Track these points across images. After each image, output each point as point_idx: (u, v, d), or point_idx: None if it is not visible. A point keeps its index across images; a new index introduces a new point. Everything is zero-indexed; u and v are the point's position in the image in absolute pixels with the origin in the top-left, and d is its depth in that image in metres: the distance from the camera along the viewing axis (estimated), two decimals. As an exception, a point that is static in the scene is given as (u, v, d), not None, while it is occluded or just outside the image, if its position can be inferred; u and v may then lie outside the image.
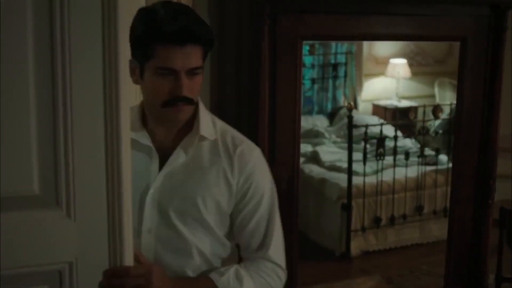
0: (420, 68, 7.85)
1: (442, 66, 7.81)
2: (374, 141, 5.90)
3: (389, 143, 5.98)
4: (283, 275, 2.02)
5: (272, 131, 3.50)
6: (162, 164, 1.94)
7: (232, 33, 3.74)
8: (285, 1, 3.48)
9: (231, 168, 1.93)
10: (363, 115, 7.49)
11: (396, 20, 3.65)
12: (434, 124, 6.73)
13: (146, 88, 1.86)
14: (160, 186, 1.92)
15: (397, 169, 5.82)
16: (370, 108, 7.85)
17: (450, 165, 5.72)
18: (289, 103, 3.52)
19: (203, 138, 1.92)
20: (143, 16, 1.81)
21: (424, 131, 6.17)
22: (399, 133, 6.20)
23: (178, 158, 1.92)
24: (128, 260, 1.54)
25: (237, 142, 1.96)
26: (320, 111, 7.98)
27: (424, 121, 6.16)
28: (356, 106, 7.64)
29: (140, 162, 1.90)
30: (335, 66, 7.88)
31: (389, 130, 6.28)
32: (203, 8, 3.67)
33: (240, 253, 2.05)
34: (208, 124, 1.95)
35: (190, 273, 1.95)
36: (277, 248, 2.00)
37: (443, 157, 6.19)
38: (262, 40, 3.38)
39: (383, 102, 7.72)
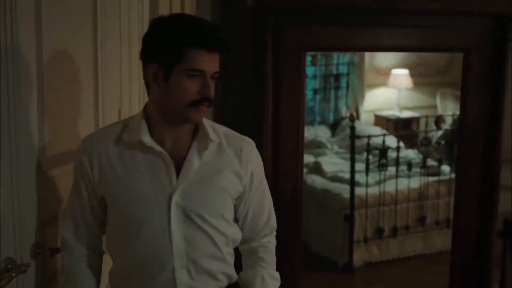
0: (422, 78, 7.85)
1: (443, 76, 7.81)
2: (377, 151, 5.90)
3: (392, 154, 5.98)
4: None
5: (275, 142, 3.49)
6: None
7: (236, 44, 3.74)
8: (289, 13, 3.47)
9: (241, 166, 2.14)
10: (365, 125, 7.48)
11: (400, 32, 3.64)
12: (437, 135, 6.73)
13: (172, 90, 1.97)
14: (182, 192, 2.04)
15: (399, 180, 5.82)
16: (372, 118, 7.85)
17: (453, 175, 5.74)
18: (292, 114, 3.52)
19: (211, 142, 2.07)
20: (175, 23, 1.97)
21: (427, 141, 6.17)
22: (401, 144, 6.20)
23: (193, 163, 2.05)
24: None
25: (239, 142, 2.18)
26: (322, 122, 7.97)
27: (426, 131, 6.16)
28: (358, 117, 7.64)
29: (154, 168, 2.05)
30: (337, 77, 7.87)
31: (391, 141, 6.28)
32: (206, 19, 3.67)
33: (244, 235, 2.28)
34: (210, 129, 2.10)
35: (221, 274, 2.15)
36: (272, 214, 2.33)
37: (445, 168, 6.18)
38: (265, 52, 3.38)
39: (385, 113, 7.72)
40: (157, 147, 2.02)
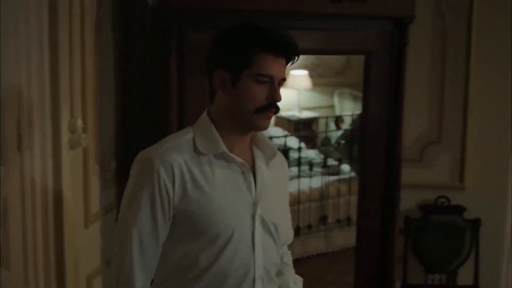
0: (321, 79, 7.96)
1: (341, 77, 7.95)
2: (279, 152, 5.93)
3: (293, 155, 6.03)
4: None
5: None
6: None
7: (139, 50, 3.69)
8: (192, 18, 3.45)
9: (285, 175, 2.25)
10: (266, 126, 7.50)
11: (301, 34, 3.64)
12: (336, 135, 6.85)
13: (239, 95, 1.97)
14: (262, 202, 2.03)
15: (301, 180, 5.89)
16: (272, 119, 7.86)
17: (353, 174, 5.86)
18: (197, 118, 3.47)
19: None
20: (243, 29, 1.97)
21: (327, 141, 6.26)
22: (302, 145, 6.27)
23: (264, 172, 2.06)
24: None
25: (276, 151, 2.16)
26: (224, 124, 7.94)
27: (326, 132, 6.25)
28: (258, 118, 7.65)
29: (232, 178, 2.00)
30: (238, 79, 7.86)
31: (293, 142, 6.34)
32: (107, 24, 3.57)
33: None
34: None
35: (276, 284, 2.17)
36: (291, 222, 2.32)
37: (345, 167, 6.29)
38: (169, 57, 3.35)
39: (285, 114, 7.77)
40: (239, 159, 2.00)
